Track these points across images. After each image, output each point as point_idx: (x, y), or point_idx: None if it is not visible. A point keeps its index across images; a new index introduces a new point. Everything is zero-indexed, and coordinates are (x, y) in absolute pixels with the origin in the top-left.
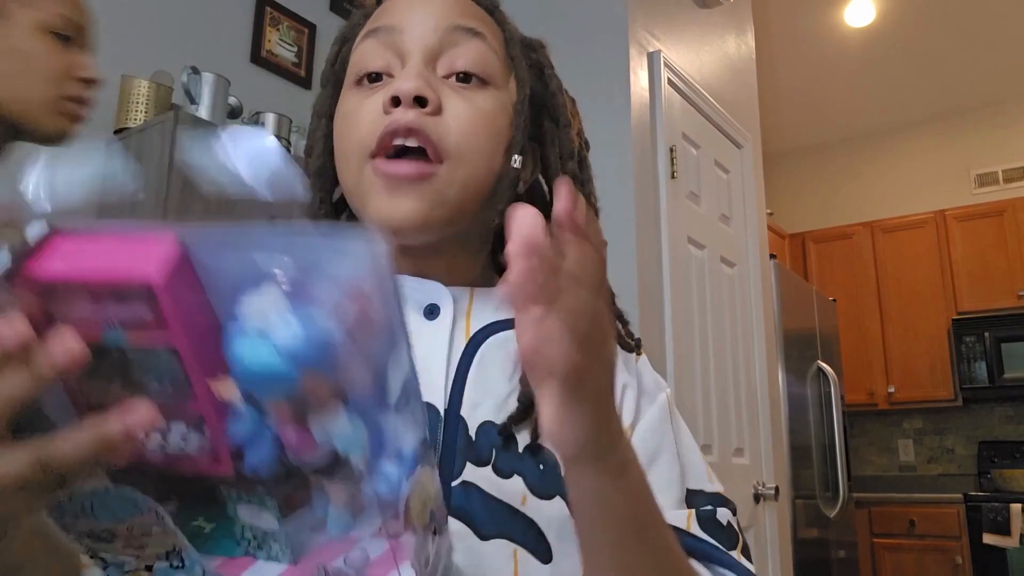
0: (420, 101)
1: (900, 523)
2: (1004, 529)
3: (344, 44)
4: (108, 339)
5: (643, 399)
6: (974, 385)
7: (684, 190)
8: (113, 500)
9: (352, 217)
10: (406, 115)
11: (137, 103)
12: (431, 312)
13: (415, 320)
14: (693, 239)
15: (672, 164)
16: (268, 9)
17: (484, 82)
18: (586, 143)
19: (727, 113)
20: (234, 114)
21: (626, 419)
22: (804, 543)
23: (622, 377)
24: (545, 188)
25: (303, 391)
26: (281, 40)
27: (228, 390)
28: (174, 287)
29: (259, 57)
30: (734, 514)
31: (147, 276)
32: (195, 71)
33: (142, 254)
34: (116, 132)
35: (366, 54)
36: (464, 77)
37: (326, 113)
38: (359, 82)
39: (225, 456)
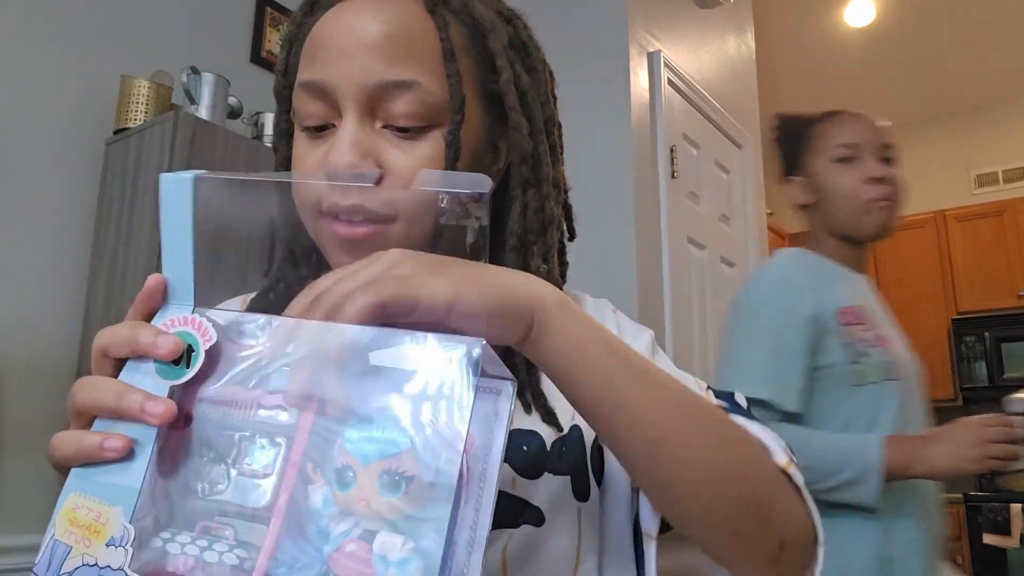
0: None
1: None
2: (1004, 529)
3: (292, 46)
4: (238, 424)
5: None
6: (974, 385)
7: (684, 190)
8: None
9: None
10: (345, 197)
11: (137, 103)
12: None
13: None
14: (693, 239)
15: (672, 164)
16: (268, 9)
17: (425, 128)
18: (550, 118)
19: (727, 113)
20: (234, 114)
21: None
22: None
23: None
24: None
25: (400, 466)
26: (281, 40)
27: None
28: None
29: (259, 57)
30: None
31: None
32: (195, 71)
33: None
34: (116, 132)
35: (301, 106)
36: (403, 129)
37: (286, 132)
38: (304, 128)
39: None
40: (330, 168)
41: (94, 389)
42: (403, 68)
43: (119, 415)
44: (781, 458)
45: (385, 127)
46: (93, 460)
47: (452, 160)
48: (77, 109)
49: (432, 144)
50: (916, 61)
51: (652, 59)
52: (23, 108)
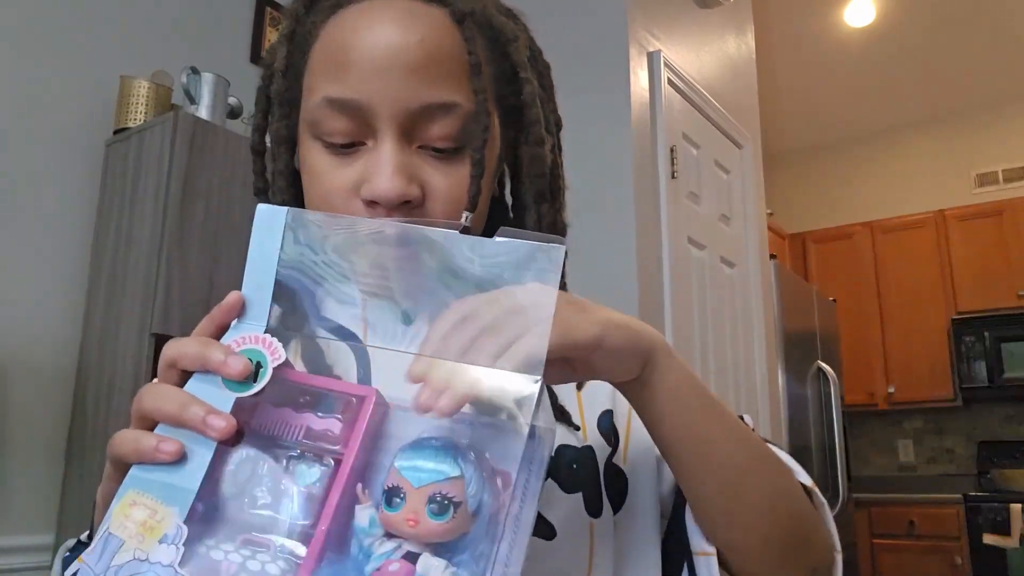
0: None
1: (900, 523)
2: (1004, 529)
3: (291, 44)
4: (287, 443)
5: None
6: (974, 385)
7: (684, 190)
8: None
9: None
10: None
11: (137, 103)
12: (407, 320)
13: (392, 328)
14: (693, 239)
15: (672, 164)
16: (268, 9)
17: (461, 148)
18: (558, 123)
19: (727, 113)
20: (234, 114)
21: None
22: None
23: None
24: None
25: (450, 492)
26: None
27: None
28: (375, 408)
29: (259, 57)
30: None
31: (365, 391)
32: (195, 71)
33: (357, 387)
34: (116, 132)
35: (326, 121)
36: (438, 150)
37: (287, 138)
38: (327, 145)
39: None
40: (376, 196)
41: (159, 397)
42: (444, 89)
43: (181, 425)
44: (805, 479)
45: (421, 147)
46: (147, 461)
47: (478, 178)
48: (77, 109)
49: (465, 161)
50: (916, 61)
51: (652, 59)
52: (23, 108)
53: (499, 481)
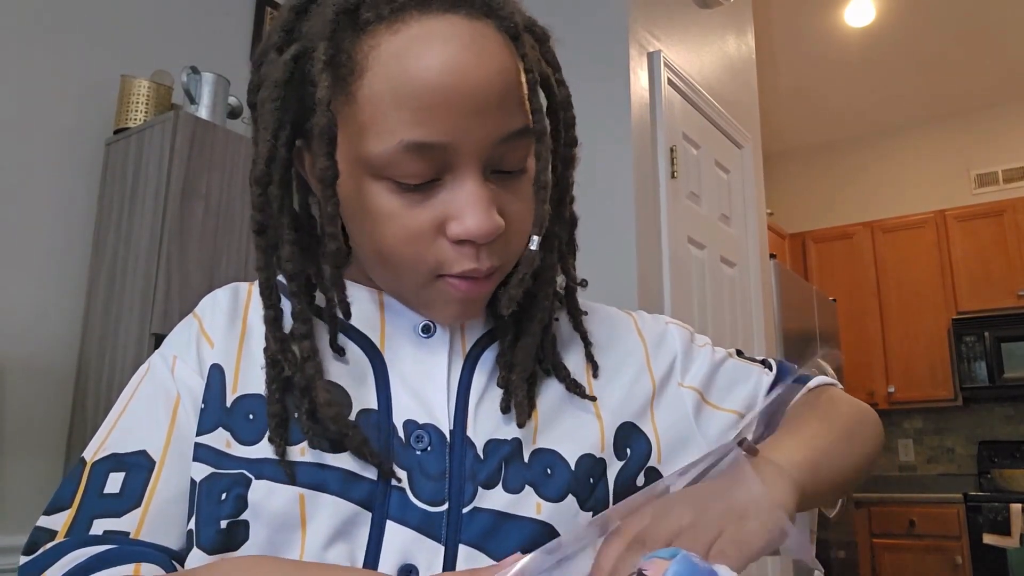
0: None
1: (900, 523)
2: (1004, 529)
3: (331, 70)
4: None
5: (668, 346)
6: (974, 385)
7: (684, 190)
8: None
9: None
10: (483, 261)
11: (137, 103)
12: (426, 330)
13: (410, 339)
14: (693, 239)
15: (672, 164)
16: (268, 9)
17: (525, 168)
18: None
19: (727, 113)
20: (234, 114)
21: (658, 370)
22: None
23: (628, 346)
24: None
25: None
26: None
27: None
28: None
29: None
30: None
31: None
32: (195, 71)
33: None
34: (116, 132)
35: (405, 165)
36: (506, 172)
37: (335, 176)
38: (398, 185)
39: None
40: (470, 235)
41: None
42: (518, 116)
43: None
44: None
45: (492, 172)
46: None
47: (544, 202)
48: (77, 109)
49: (527, 180)
50: (916, 61)
51: (652, 59)
52: (23, 108)
53: None
